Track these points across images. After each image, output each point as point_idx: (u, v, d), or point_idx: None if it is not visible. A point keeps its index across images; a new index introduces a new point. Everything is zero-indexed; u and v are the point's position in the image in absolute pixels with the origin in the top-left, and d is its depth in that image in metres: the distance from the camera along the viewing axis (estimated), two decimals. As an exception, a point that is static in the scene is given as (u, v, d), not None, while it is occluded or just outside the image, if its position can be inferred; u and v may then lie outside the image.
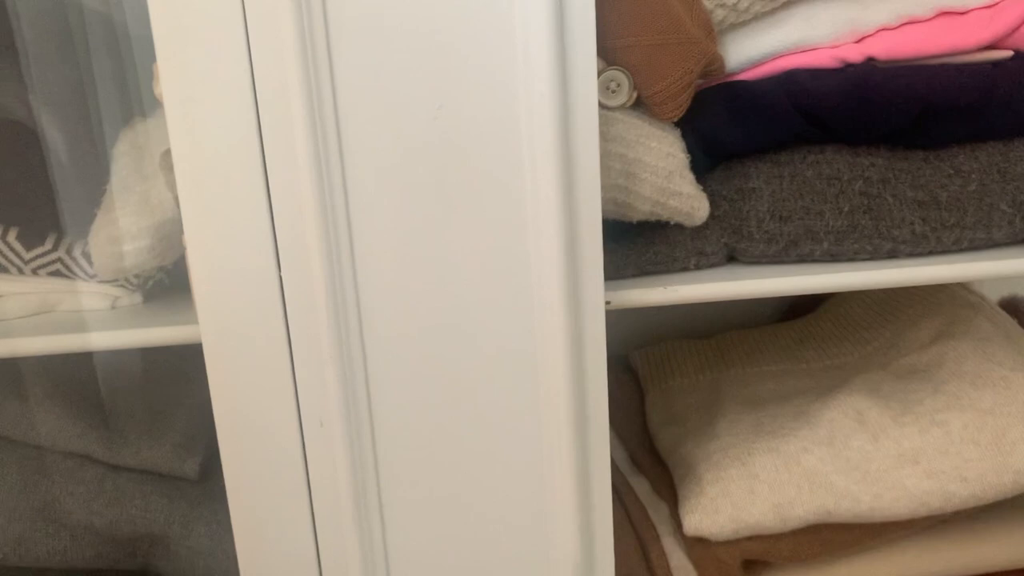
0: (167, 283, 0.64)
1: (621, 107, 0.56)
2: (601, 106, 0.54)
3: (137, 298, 0.62)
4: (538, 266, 0.54)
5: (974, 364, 0.70)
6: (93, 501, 0.62)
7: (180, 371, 0.71)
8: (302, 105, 0.50)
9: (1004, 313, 0.76)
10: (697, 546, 0.67)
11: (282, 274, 0.52)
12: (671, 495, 0.71)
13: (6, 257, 0.59)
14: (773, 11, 0.61)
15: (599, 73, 0.55)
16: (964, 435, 0.66)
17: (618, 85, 0.56)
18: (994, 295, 0.83)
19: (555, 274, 0.54)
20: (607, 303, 0.56)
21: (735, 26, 0.61)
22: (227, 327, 0.54)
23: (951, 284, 0.81)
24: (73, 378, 0.67)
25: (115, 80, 0.62)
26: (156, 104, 0.57)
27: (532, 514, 0.60)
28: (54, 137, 0.60)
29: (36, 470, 0.63)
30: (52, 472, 0.63)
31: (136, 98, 0.62)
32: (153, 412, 0.66)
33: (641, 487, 0.74)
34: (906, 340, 0.77)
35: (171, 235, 0.58)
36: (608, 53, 0.56)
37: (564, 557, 0.61)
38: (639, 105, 0.58)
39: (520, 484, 0.59)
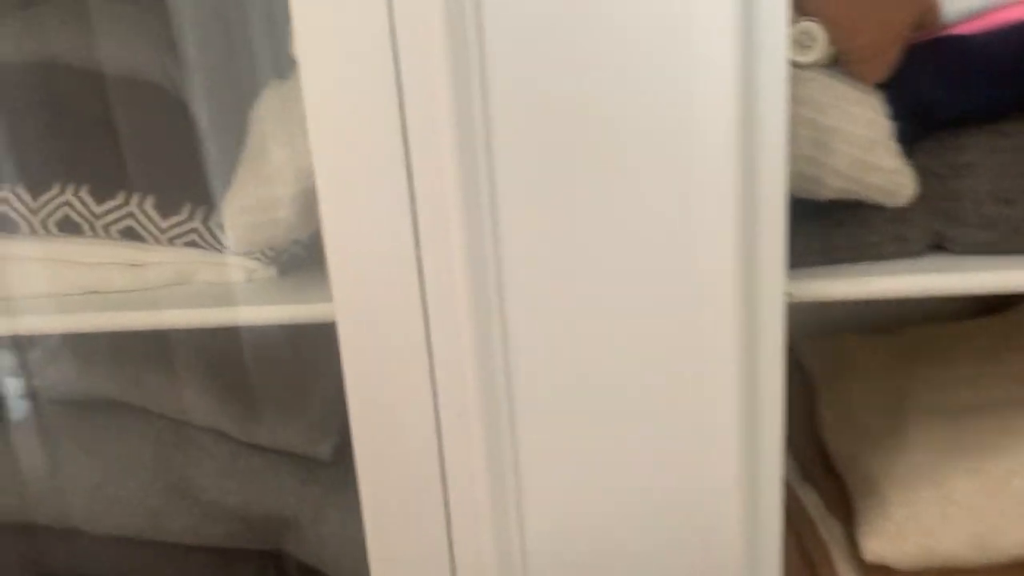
0: (303, 256, 0.61)
1: (814, 65, 0.48)
2: (791, 63, 0.46)
3: (273, 271, 0.59)
4: (707, 250, 0.47)
5: None
6: (225, 479, 0.60)
7: (317, 346, 0.69)
8: (447, 68, 0.45)
9: None
10: (877, 575, 0.59)
11: (421, 254, 0.48)
12: (845, 512, 0.63)
13: (143, 225, 0.57)
14: (1002, -50, 0.51)
15: (791, 24, 0.47)
16: None
17: (812, 39, 0.47)
18: None
19: (728, 260, 0.47)
20: (787, 295, 0.49)
21: (954, -31, 0.51)
22: (362, 308, 0.50)
23: None
24: (208, 350, 0.65)
25: (259, 38, 0.59)
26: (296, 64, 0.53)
27: (692, 528, 0.53)
28: (193, 100, 0.57)
29: (172, 444, 0.62)
30: (187, 447, 0.62)
31: (281, 56, 0.59)
32: (288, 389, 0.64)
33: (810, 499, 0.66)
34: None
35: (308, 207, 0.54)
36: (803, 4, 0.47)
37: (725, 573, 0.54)
38: (836, 63, 0.49)
39: (679, 492, 0.53)
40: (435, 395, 0.52)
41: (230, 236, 0.54)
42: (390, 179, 0.47)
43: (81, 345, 0.65)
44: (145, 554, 0.62)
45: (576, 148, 0.46)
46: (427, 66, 0.45)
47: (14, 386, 0.64)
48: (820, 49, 0.48)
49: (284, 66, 0.56)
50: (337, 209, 0.47)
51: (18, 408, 0.64)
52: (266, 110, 0.55)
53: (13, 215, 0.57)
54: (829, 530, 0.63)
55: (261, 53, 0.59)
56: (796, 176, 0.49)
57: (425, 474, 0.54)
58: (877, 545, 0.57)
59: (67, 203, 0.57)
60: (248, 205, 0.53)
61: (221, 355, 0.65)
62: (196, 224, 0.57)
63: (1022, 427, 0.60)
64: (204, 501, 0.61)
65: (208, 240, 0.57)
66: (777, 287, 0.48)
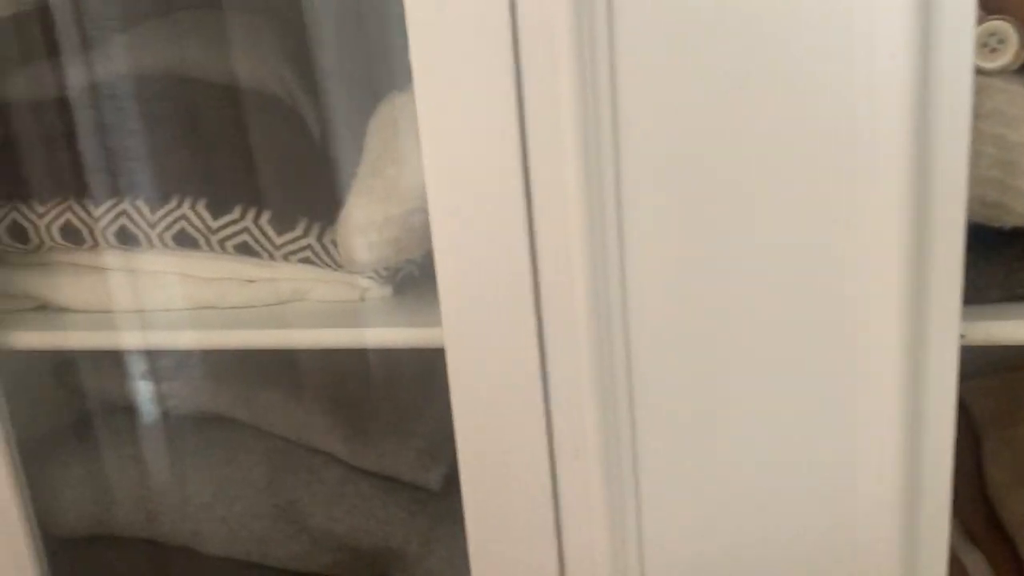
0: (417, 275, 0.58)
1: (1003, 71, 0.41)
2: (976, 70, 0.39)
3: (387, 291, 0.57)
4: (869, 282, 0.41)
5: None
6: (333, 506, 0.58)
7: (432, 367, 0.66)
8: (572, 80, 0.41)
9: None
10: (1058, 661, 0.50)
11: (539, 280, 0.44)
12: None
13: (258, 241, 0.55)
14: None
15: (977, 24, 0.40)
16: None
17: (1001, 41, 0.41)
18: None
19: (894, 294, 0.41)
20: (962, 336, 0.42)
21: None
22: (474, 336, 0.46)
23: None
24: (319, 369, 0.63)
25: (378, 50, 0.57)
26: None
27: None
28: (310, 114, 0.55)
29: (281, 466, 0.60)
30: (296, 469, 0.60)
31: (400, 68, 0.56)
32: (400, 413, 0.61)
33: (977, 567, 0.58)
34: None
35: (422, 226, 0.51)
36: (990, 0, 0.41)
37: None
38: (1028, 68, 0.42)
39: (826, 555, 0.46)
40: (550, 433, 0.47)
41: (344, 254, 0.52)
42: (507, 201, 0.43)
43: (193, 360, 0.64)
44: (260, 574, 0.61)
45: (715, 163, 0.41)
46: (550, 79, 0.41)
47: (129, 400, 0.64)
48: (1011, 53, 0.41)
49: (402, 77, 0.53)
50: (450, 231, 0.44)
51: (133, 423, 0.64)
52: (381, 125, 0.53)
53: (132, 228, 0.56)
54: (999, 603, 0.55)
55: (379, 65, 0.56)
56: (976, 200, 0.42)
57: (537, 518, 0.50)
58: (1060, 628, 0.49)
59: (184, 216, 0.56)
60: (362, 223, 0.50)
61: (332, 374, 0.63)
62: (311, 241, 0.55)
63: None
64: (311, 527, 0.59)
65: (323, 257, 0.55)
66: (951, 327, 0.41)
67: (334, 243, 0.54)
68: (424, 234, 0.51)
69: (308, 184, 0.54)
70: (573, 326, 0.45)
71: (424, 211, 0.49)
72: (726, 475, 0.47)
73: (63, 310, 0.61)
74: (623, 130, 0.42)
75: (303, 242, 0.55)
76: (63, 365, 0.67)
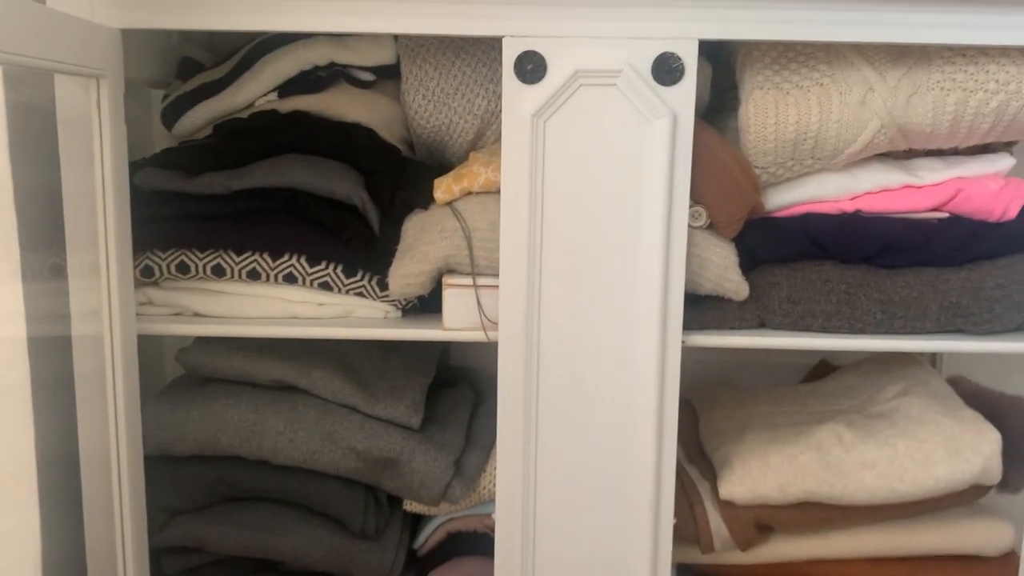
0: (418, 306, 1.06)
1: (701, 227, 0.97)
2: (690, 226, 0.94)
3: (398, 314, 1.04)
4: (640, 319, 0.94)
5: (918, 412, 1.07)
6: (357, 434, 1.03)
7: (413, 354, 1.13)
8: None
9: (945, 383, 1.13)
10: (727, 508, 1.04)
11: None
12: (712, 477, 1.09)
13: (333, 281, 1.01)
14: (797, 177, 1.02)
15: (690, 206, 0.96)
16: (906, 454, 1.03)
17: (700, 214, 0.97)
18: (944, 373, 1.20)
19: (653, 325, 0.94)
20: (683, 342, 0.96)
21: (773, 185, 1.02)
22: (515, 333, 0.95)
23: (912, 364, 1.18)
24: (349, 356, 1.09)
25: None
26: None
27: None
28: (368, 215, 1.02)
29: (325, 412, 1.04)
30: (334, 415, 1.04)
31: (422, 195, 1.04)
32: (395, 381, 1.07)
33: (693, 472, 1.12)
34: (878, 397, 1.14)
35: (433, 279, 0.99)
36: (695, 196, 0.97)
37: (643, 504, 0.99)
38: (711, 227, 0.99)
39: (632, 478, 0.98)
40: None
41: (392, 291, 0.98)
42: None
43: (278, 349, 1.07)
44: (303, 478, 1.03)
45: (582, 267, 0.94)
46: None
47: (230, 370, 1.06)
48: (704, 219, 0.97)
49: (425, 201, 1.02)
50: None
51: (231, 385, 1.06)
52: (411, 225, 1.01)
53: (259, 270, 1.00)
54: (702, 487, 1.09)
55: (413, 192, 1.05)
56: (688, 281, 0.97)
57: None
58: (727, 489, 1.04)
59: (291, 266, 1.01)
60: (403, 274, 0.98)
61: (358, 359, 1.09)
62: (365, 283, 1.01)
63: (808, 432, 1.08)
64: (343, 446, 1.02)
65: (369, 293, 1.02)
66: (677, 338, 0.95)
67: (379, 285, 1.01)
68: (432, 283, 0.99)
69: (367, 252, 1.01)
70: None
71: (439, 270, 0.98)
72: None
73: (196, 315, 1.03)
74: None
75: (361, 283, 1.01)
76: (186, 349, 1.08)
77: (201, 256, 1.01)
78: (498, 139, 1.08)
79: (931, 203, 1.03)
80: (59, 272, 0.90)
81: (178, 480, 1.05)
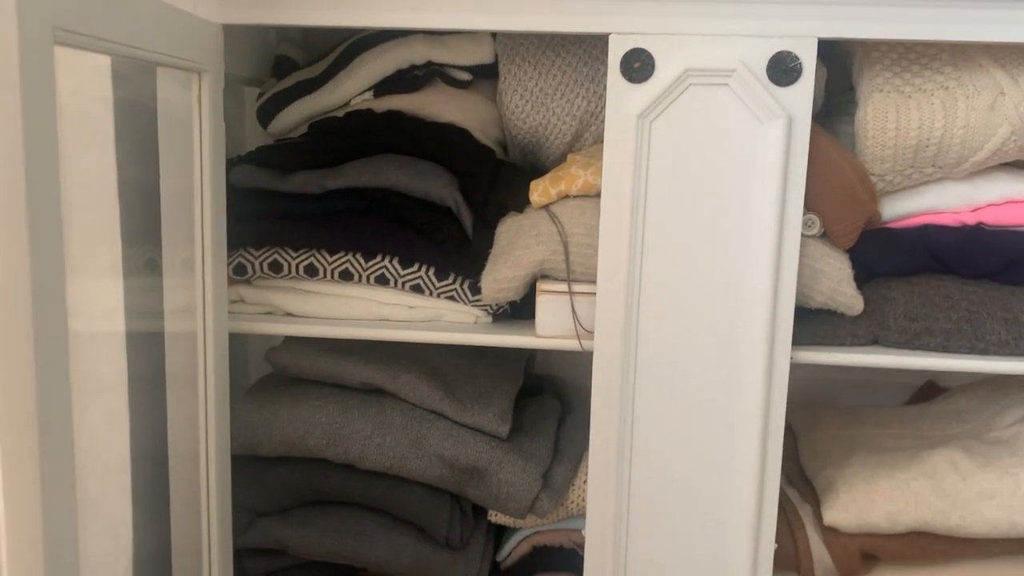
0: (509, 312, 1.03)
1: (814, 236, 0.92)
2: (803, 235, 0.89)
3: (489, 319, 1.01)
4: (747, 333, 0.89)
5: (1042, 441, 1.00)
6: (444, 441, 1.00)
7: (500, 360, 1.10)
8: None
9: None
10: (831, 535, 0.98)
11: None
12: (813, 501, 1.03)
13: (425, 284, 0.99)
14: (915, 186, 0.96)
15: (803, 214, 0.91)
16: (1029, 485, 0.95)
17: (813, 223, 0.91)
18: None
19: (760, 338, 0.89)
20: (791, 358, 0.91)
21: (890, 194, 0.96)
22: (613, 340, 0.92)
23: (1035, 386, 1.11)
24: (435, 360, 1.06)
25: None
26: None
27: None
28: (463, 217, 0.99)
29: (412, 417, 1.01)
30: (421, 420, 1.01)
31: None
32: (484, 389, 1.04)
33: (793, 495, 1.06)
34: (996, 422, 1.07)
35: (526, 284, 0.96)
36: (809, 204, 0.91)
37: (743, 527, 0.94)
38: (824, 237, 0.93)
39: (731, 498, 0.93)
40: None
41: (484, 296, 0.96)
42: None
43: (365, 351, 1.05)
44: (389, 484, 1.01)
45: (693, 276, 0.89)
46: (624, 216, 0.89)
47: (317, 372, 1.05)
48: (818, 228, 0.92)
49: (519, 204, 0.99)
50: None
51: (318, 387, 1.04)
52: (506, 228, 0.98)
53: (351, 270, 0.99)
54: (803, 511, 1.03)
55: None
56: (799, 293, 0.92)
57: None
58: (831, 515, 0.98)
59: (384, 267, 0.99)
60: (496, 279, 0.95)
61: (444, 363, 1.06)
62: (456, 286, 0.99)
63: (921, 457, 1.01)
64: (430, 453, 1.00)
65: (460, 297, 0.99)
66: (786, 353, 0.90)
67: (471, 289, 0.98)
68: (524, 289, 0.96)
69: (460, 255, 0.98)
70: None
71: (532, 275, 0.94)
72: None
73: (288, 315, 1.01)
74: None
75: (452, 287, 0.99)
76: (276, 348, 1.07)
77: (294, 255, 1.00)
78: (596, 141, 1.05)
79: (1061, 217, 0.96)
80: (154, 268, 0.89)
81: (263, 481, 1.04)
